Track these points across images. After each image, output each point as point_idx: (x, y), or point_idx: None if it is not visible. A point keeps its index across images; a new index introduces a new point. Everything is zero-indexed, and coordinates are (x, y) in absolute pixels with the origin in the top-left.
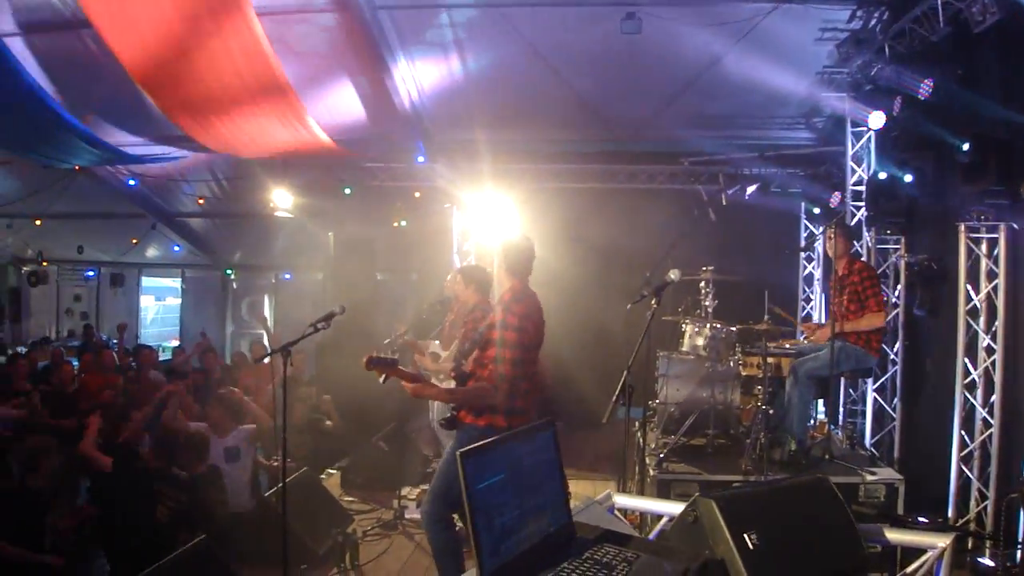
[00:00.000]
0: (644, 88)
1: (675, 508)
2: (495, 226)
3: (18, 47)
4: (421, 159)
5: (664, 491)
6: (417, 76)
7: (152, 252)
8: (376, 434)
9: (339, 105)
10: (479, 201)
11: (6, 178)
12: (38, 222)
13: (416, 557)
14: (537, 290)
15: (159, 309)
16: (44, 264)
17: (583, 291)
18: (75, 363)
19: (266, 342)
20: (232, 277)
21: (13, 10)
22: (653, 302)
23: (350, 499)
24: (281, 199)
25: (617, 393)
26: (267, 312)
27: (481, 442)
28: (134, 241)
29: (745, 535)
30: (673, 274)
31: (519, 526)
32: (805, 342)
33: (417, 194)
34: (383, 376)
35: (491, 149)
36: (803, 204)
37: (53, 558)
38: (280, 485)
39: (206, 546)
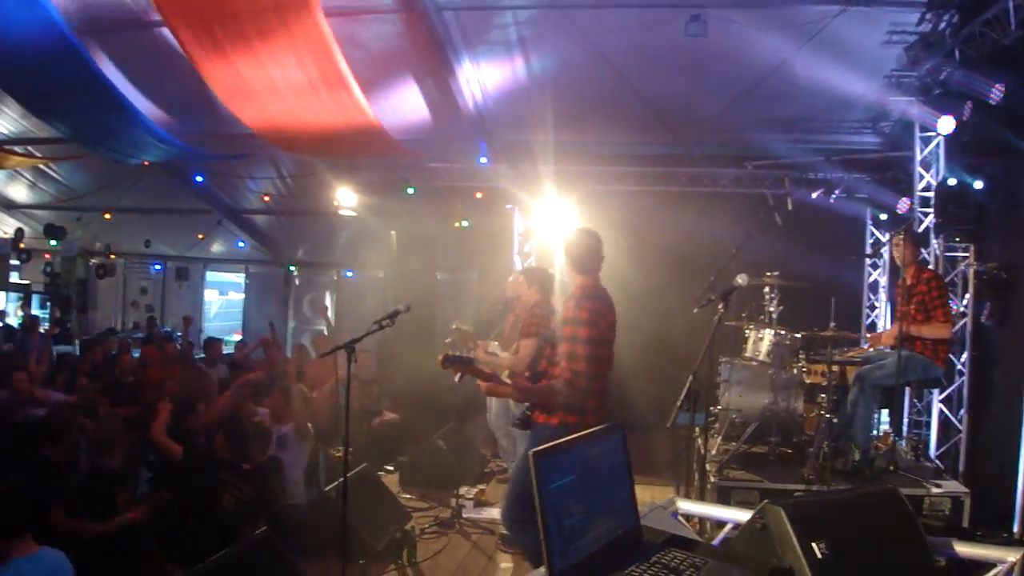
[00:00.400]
0: (709, 91)
1: (739, 515)
2: (556, 228)
3: (90, 44)
4: (484, 160)
5: (724, 498)
6: (481, 77)
7: (217, 247)
8: (435, 432)
9: (404, 106)
10: (541, 202)
11: (77, 172)
12: (108, 216)
13: (473, 557)
14: None
15: (222, 303)
16: (112, 257)
17: (644, 295)
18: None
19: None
20: (295, 273)
21: (86, 9)
22: (720, 307)
23: (408, 496)
24: (346, 198)
25: (682, 398)
26: (329, 309)
27: (553, 443)
28: (200, 236)
29: (813, 544)
30: (741, 279)
31: (588, 528)
32: (870, 350)
33: (479, 195)
34: (458, 375)
35: (554, 150)
36: (869, 210)
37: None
38: (341, 480)
39: (267, 537)
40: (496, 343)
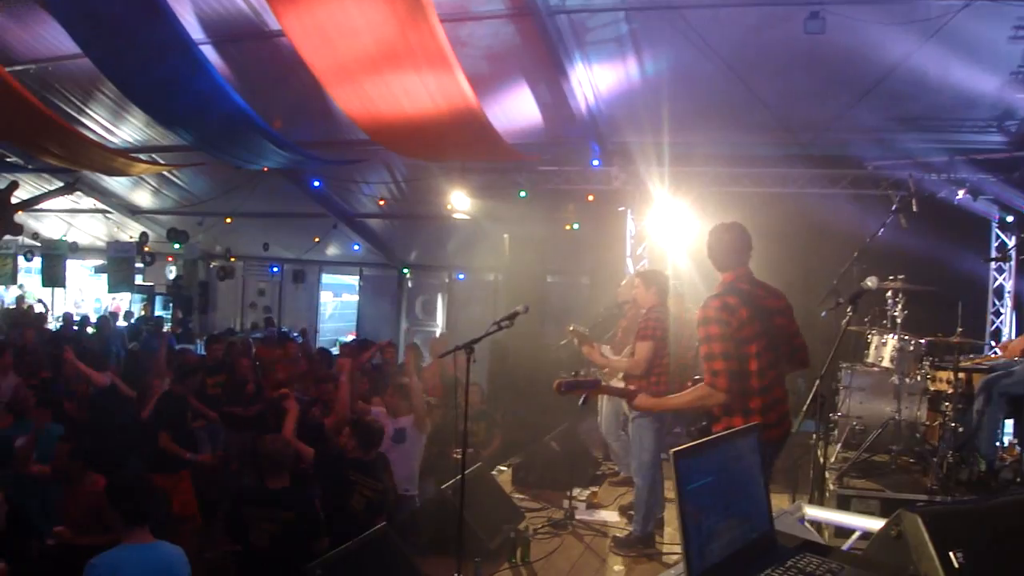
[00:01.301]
0: (826, 90)
1: (868, 523)
2: (670, 230)
3: (212, 55)
4: (596, 162)
5: (844, 507)
6: (594, 79)
7: (332, 250)
8: (547, 434)
9: (516, 109)
10: (654, 205)
11: (198, 178)
12: (228, 220)
13: (586, 558)
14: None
15: (337, 305)
16: (232, 260)
17: None
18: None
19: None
20: (407, 276)
21: (208, 21)
22: (849, 310)
23: (520, 496)
24: (459, 201)
25: (808, 403)
26: (439, 311)
27: (693, 443)
28: (316, 240)
29: (951, 553)
30: (870, 281)
31: (724, 530)
32: (997, 358)
33: (591, 197)
34: (581, 399)
35: (667, 152)
36: (996, 211)
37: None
38: (458, 478)
39: (385, 533)
40: (608, 347)
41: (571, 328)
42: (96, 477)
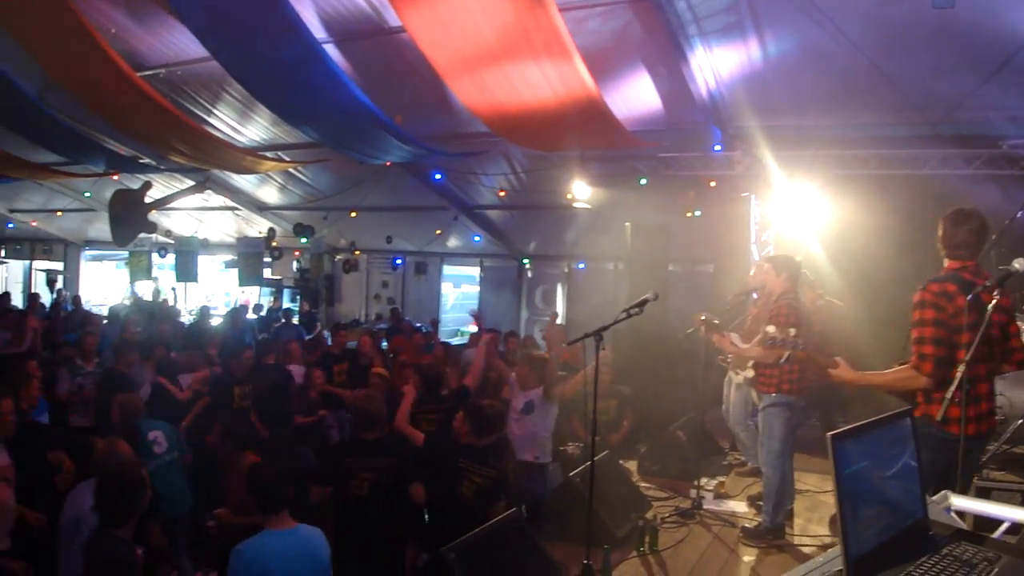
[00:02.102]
0: (957, 66)
1: (1018, 513)
2: (795, 215)
3: (335, 54)
4: (718, 147)
5: (983, 499)
6: (714, 62)
7: (453, 242)
8: (673, 423)
9: (636, 96)
10: (779, 189)
11: (322, 174)
12: (353, 214)
13: (715, 548)
14: (844, 284)
15: (458, 296)
16: (356, 253)
17: (891, 283)
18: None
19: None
20: (527, 266)
21: (330, 20)
22: (995, 294)
23: (646, 485)
24: (580, 190)
25: (953, 390)
26: (559, 301)
27: (852, 426)
28: (438, 232)
29: None
30: (1017, 264)
31: (879, 516)
32: None
33: (713, 183)
34: (785, 355)
35: (792, 135)
36: None
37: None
38: (587, 465)
39: (516, 519)
40: (736, 335)
41: (701, 317)
42: (253, 458)
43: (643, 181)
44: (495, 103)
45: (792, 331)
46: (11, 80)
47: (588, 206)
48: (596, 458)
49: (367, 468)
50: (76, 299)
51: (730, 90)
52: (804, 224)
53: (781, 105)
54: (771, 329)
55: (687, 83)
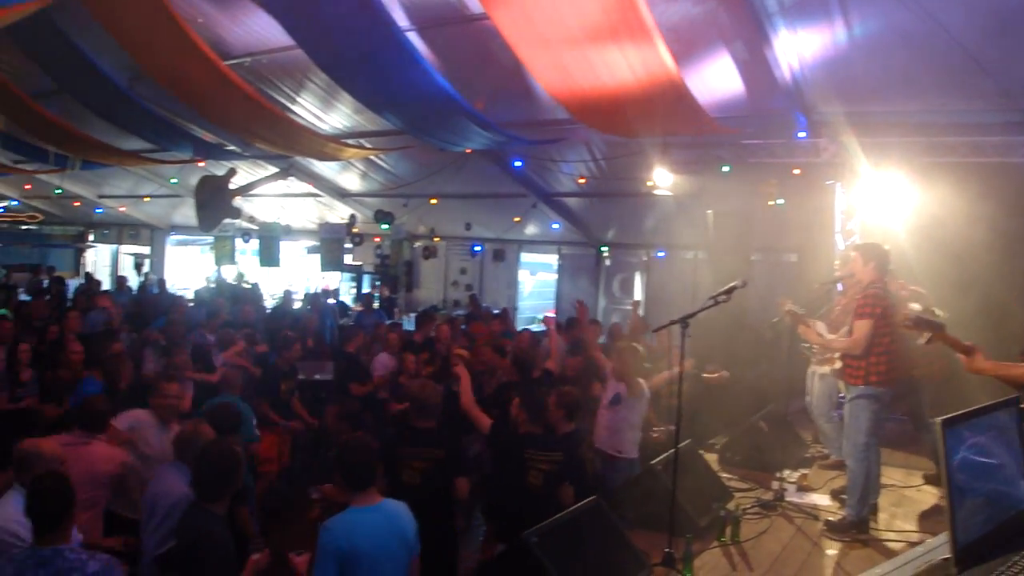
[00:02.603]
0: None
1: None
2: (883, 204)
3: (417, 41)
4: (802, 134)
5: None
6: (799, 46)
7: (531, 229)
8: (753, 414)
9: (717, 80)
10: (866, 177)
11: (403, 161)
12: (433, 201)
13: (797, 541)
14: (933, 274)
15: (536, 283)
16: (435, 240)
17: (985, 272)
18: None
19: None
20: (605, 254)
21: (412, 8)
22: None
23: (727, 476)
24: (661, 177)
25: None
26: (637, 289)
27: (961, 412)
28: (516, 219)
29: None
30: None
31: (986, 505)
32: None
33: (796, 171)
34: (926, 338)
35: (878, 121)
36: None
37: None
38: (670, 452)
39: (597, 505)
40: (822, 324)
41: (787, 308)
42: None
43: (726, 168)
44: (575, 87)
45: (940, 312)
46: (100, 70)
47: (669, 193)
48: (679, 446)
49: (420, 457)
50: (161, 282)
51: (814, 74)
52: (891, 213)
53: (867, 90)
54: (916, 306)
55: (770, 67)
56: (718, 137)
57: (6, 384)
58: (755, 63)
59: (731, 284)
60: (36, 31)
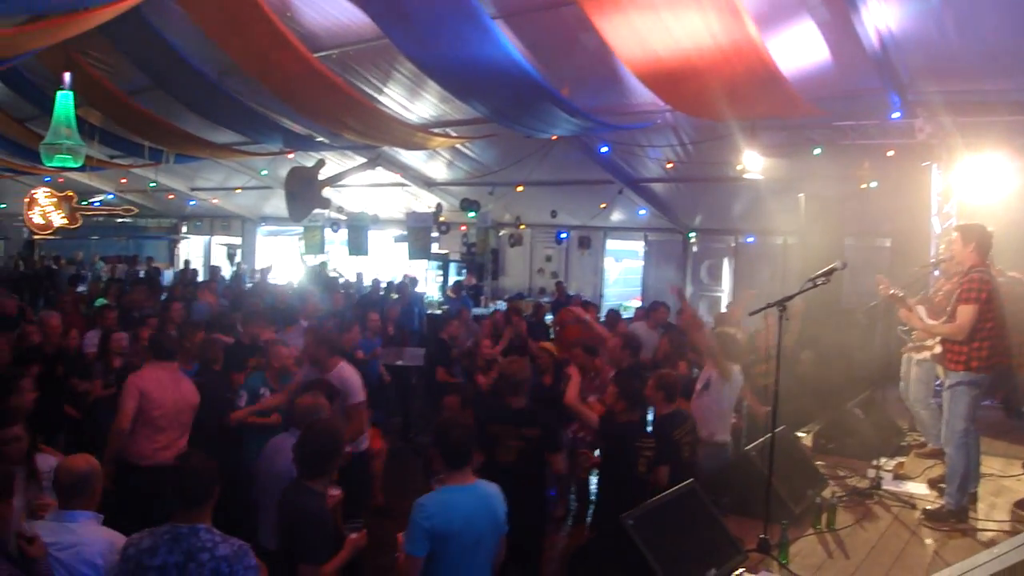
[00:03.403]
0: None
1: None
2: (983, 185)
3: (504, 28)
4: (896, 115)
5: None
6: (892, 21)
7: (617, 216)
8: (849, 401)
9: (807, 61)
10: (964, 158)
11: (488, 149)
12: (519, 188)
13: (895, 529)
14: None
15: (622, 270)
16: (521, 227)
17: None
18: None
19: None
20: (692, 240)
21: None
22: None
23: (821, 463)
24: (751, 161)
25: None
26: (725, 276)
27: None
28: (602, 206)
29: None
30: None
31: None
32: None
33: (890, 152)
34: None
35: (977, 99)
36: None
37: None
38: (766, 437)
39: (693, 490)
40: (922, 307)
41: (891, 292)
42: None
43: (817, 151)
44: (663, 69)
45: None
46: (192, 65)
47: (760, 177)
48: (776, 431)
49: (515, 436)
50: (263, 272)
51: (909, 51)
52: (990, 195)
53: (965, 66)
54: None
55: (862, 45)
56: (809, 119)
57: (100, 372)
58: (846, 42)
59: (830, 266)
60: (129, 30)
